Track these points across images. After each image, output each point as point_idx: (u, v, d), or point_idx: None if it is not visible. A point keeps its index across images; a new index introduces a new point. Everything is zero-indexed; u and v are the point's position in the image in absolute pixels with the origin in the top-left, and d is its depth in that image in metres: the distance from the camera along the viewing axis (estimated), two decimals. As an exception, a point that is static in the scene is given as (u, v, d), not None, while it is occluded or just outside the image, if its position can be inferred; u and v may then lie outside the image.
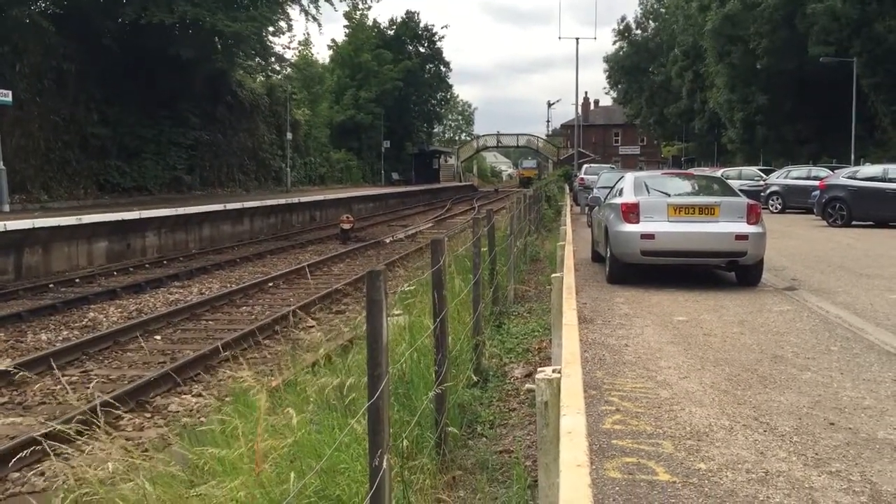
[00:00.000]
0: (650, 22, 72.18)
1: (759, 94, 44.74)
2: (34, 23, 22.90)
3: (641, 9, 72.85)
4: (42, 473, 5.64)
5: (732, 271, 10.13)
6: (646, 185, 10.50)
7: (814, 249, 13.96)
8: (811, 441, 4.27)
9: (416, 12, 70.59)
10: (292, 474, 3.54)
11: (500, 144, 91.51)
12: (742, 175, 30.08)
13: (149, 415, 7.20)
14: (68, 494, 3.71)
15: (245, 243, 22.80)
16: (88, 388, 7.69)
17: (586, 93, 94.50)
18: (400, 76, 57.70)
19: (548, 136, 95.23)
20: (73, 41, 24.74)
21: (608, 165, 39.96)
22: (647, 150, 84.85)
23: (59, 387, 7.86)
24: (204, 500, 3.66)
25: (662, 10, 69.96)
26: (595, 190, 19.26)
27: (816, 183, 21.53)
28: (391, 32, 64.06)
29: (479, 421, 5.20)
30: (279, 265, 17.77)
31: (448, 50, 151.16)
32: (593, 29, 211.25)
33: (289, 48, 63.82)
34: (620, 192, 10.66)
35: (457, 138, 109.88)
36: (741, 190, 12.34)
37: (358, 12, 57.97)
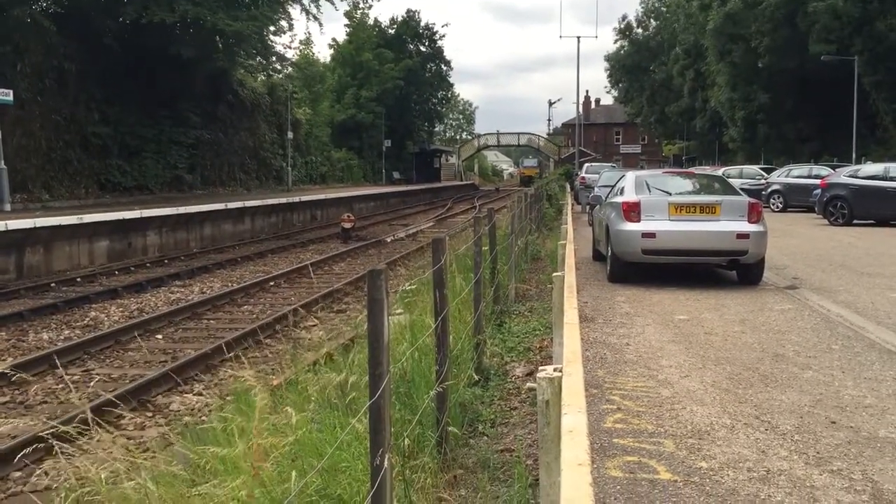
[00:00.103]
0: (651, 20, 72.13)
1: (760, 92, 44.71)
2: (35, 22, 22.91)
3: (643, 7, 72.86)
4: (45, 473, 5.65)
5: (733, 270, 10.12)
6: (647, 184, 10.49)
7: (815, 248, 13.95)
8: (812, 440, 4.27)
9: (416, 11, 70.72)
10: (293, 473, 3.54)
11: (500, 143, 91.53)
12: (743, 174, 30.05)
13: (150, 414, 7.21)
14: (70, 493, 3.71)
15: (246, 242, 22.81)
16: (90, 387, 7.70)
17: (587, 91, 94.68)
18: (401, 75, 57.68)
19: (549, 134, 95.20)
20: (74, 41, 24.75)
21: (609, 164, 39.97)
22: (648, 149, 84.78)
23: (60, 386, 7.87)
24: (205, 500, 3.66)
25: (663, 9, 69.88)
26: (596, 189, 19.26)
27: (818, 181, 21.49)
28: (392, 31, 64.03)
29: (481, 420, 5.20)
30: (280, 264, 17.78)
31: (449, 49, 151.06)
32: (594, 27, 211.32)
33: (290, 48, 63.84)
34: (621, 191, 10.65)
35: (458, 137, 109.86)
36: (742, 189, 12.33)
37: (358, 11, 58.13)
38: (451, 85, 73.67)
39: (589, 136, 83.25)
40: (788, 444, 4.19)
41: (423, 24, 65.78)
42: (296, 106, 43.08)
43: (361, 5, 57.76)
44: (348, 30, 59.23)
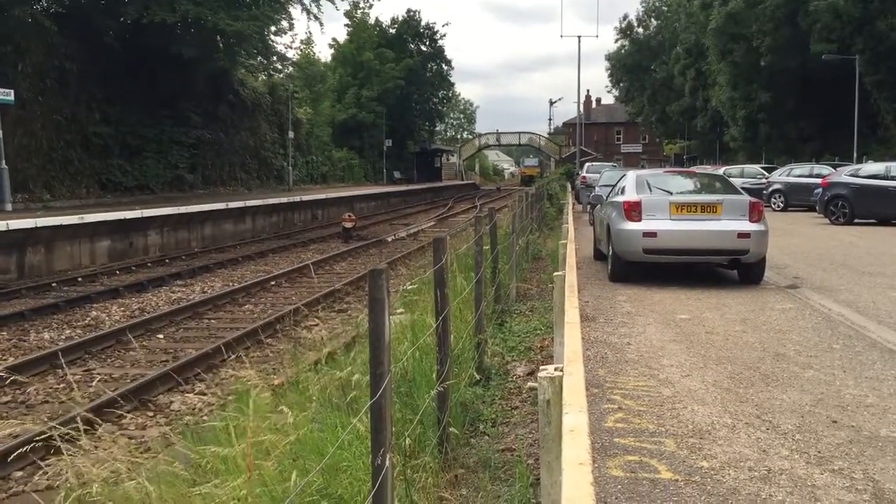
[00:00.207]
0: (652, 20, 72.07)
1: (761, 91, 44.68)
2: (36, 22, 22.92)
3: (643, 7, 72.81)
4: (46, 473, 5.65)
5: (734, 269, 10.12)
6: (648, 184, 10.49)
7: (816, 247, 13.94)
8: (814, 439, 4.26)
9: (416, 11, 70.69)
10: (294, 473, 3.54)
11: (501, 143, 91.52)
12: (744, 173, 30.04)
13: (151, 413, 7.21)
14: (71, 493, 3.72)
15: (247, 242, 22.81)
16: (91, 387, 7.71)
17: (588, 91, 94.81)
18: (401, 75, 57.67)
19: (550, 134, 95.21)
20: (75, 40, 24.76)
21: (610, 164, 39.93)
22: (649, 149, 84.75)
23: (61, 385, 7.88)
24: (206, 500, 3.66)
25: (664, 8, 69.84)
26: (597, 188, 19.25)
27: (819, 181, 21.46)
28: (393, 31, 64.03)
29: (482, 419, 5.20)
30: (281, 264, 17.78)
31: (449, 49, 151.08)
32: (595, 27, 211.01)
33: (290, 47, 63.91)
34: (622, 191, 10.65)
35: (459, 137, 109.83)
36: (743, 188, 12.32)
37: (359, 11, 58.11)
38: (452, 84, 73.75)
39: (590, 135, 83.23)
40: (790, 444, 4.19)
41: (423, 23, 65.82)
42: (297, 105, 43.09)
43: (362, 5, 57.85)
44: (349, 29, 59.25)
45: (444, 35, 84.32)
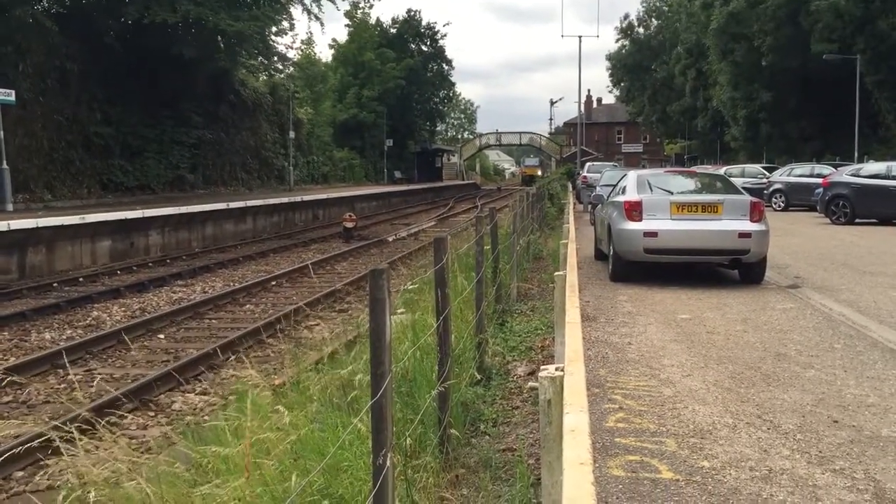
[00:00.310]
0: (653, 20, 72.07)
1: (762, 91, 44.66)
2: (37, 22, 22.93)
3: (644, 6, 72.82)
4: (46, 473, 5.65)
5: (735, 269, 10.11)
6: (649, 183, 10.48)
7: (817, 247, 13.94)
8: (815, 439, 4.26)
9: (417, 11, 70.66)
10: (294, 474, 3.54)
11: (502, 143, 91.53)
12: (745, 173, 30.01)
13: (152, 413, 7.21)
14: (71, 493, 3.72)
15: (248, 242, 22.82)
16: (92, 386, 7.71)
17: (589, 91, 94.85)
18: (402, 74, 57.67)
19: (551, 134, 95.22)
20: (76, 41, 24.77)
21: (611, 163, 39.93)
22: (650, 148, 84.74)
23: (62, 386, 7.88)
24: (207, 500, 3.66)
25: (665, 8, 69.85)
26: (598, 188, 19.25)
27: (820, 180, 21.45)
28: (393, 31, 64.05)
29: (483, 419, 5.20)
30: (282, 264, 17.78)
31: (450, 49, 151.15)
32: (596, 27, 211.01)
33: (291, 48, 63.91)
34: (623, 190, 10.65)
35: (459, 137, 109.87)
36: (744, 188, 12.32)
37: (359, 11, 58.11)
38: (453, 84, 73.72)
39: (591, 135, 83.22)
40: (791, 444, 4.19)
41: (424, 23, 65.85)
42: (297, 106, 43.10)
43: (362, 5, 57.84)
44: (350, 29, 59.27)
45: (445, 35, 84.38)
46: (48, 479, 5.55)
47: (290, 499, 3.14)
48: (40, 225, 15.39)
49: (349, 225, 23.07)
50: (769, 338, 6.71)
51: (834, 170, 22.59)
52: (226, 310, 12.23)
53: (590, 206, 19.60)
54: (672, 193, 10.09)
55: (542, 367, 2.93)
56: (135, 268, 16.80)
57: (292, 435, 4.01)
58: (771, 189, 25.86)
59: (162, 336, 10.32)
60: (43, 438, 4.52)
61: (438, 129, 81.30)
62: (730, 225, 9.45)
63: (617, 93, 78.86)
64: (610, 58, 73.65)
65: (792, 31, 39.84)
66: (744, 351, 6.25)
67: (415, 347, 5.22)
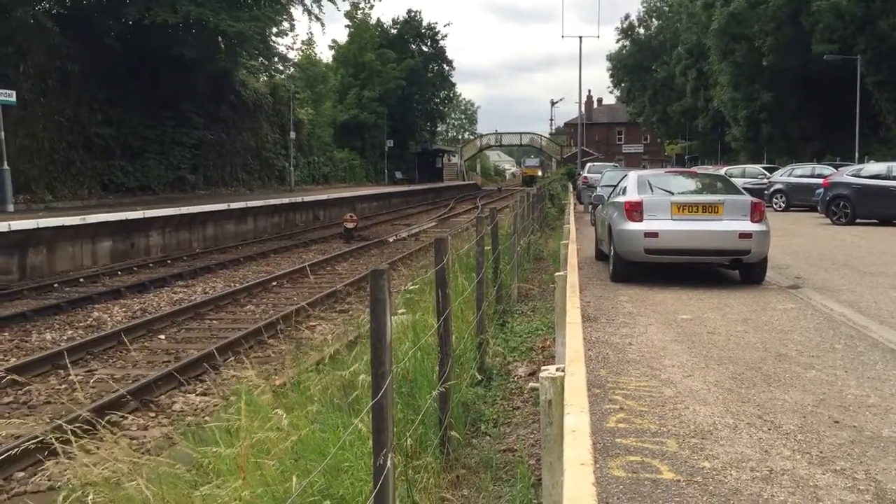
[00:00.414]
0: (653, 20, 72.05)
1: (763, 91, 44.65)
2: (38, 23, 22.94)
3: (645, 7, 72.80)
4: (47, 473, 5.66)
5: (736, 269, 10.11)
6: (649, 184, 10.48)
7: (818, 247, 13.93)
8: (815, 439, 4.26)
9: (417, 11, 70.67)
10: (295, 474, 3.54)
11: (503, 143, 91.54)
12: (746, 173, 30.00)
13: (153, 414, 7.21)
14: (72, 494, 3.72)
15: (249, 242, 22.82)
16: (93, 387, 7.71)
17: (589, 91, 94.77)
18: (403, 75, 57.68)
19: (551, 134, 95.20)
20: (77, 41, 24.78)
21: (611, 164, 39.92)
22: (651, 149, 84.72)
23: (63, 386, 7.88)
24: (207, 500, 3.67)
25: (666, 9, 69.82)
26: (598, 188, 19.25)
27: (820, 181, 21.44)
28: (394, 31, 64.06)
29: (483, 420, 5.20)
30: (283, 264, 17.78)
31: (451, 49, 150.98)
32: (596, 27, 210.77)
33: (292, 48, 63.91)
34: (624, 191, 10.65)
35: (460, 137, 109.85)
36: (745, 188, 12.32)
37: (359, 11, 58.12)
38: (454, 85, 73.76)
39: (591, 135, 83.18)
40: (791, 444, 4.19)
41: (424, 24, 65.86)
42: (298, 106, 43.10)
43: (362, 5, 57.82)
44: (350, 30, 59.28)
45: (446, 35, 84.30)
46: (49, 480, 5.55)
47: (291, 499, 3.14)
48: (41, 225, 15.40)
49: (350, 225, 23.08)
50: (770, 338, 6.71)
51: (834, 170, 22.58)
52: (226, 310, 12.23)
53: (590, 207, 19.59)
54: (673, 194, 10.09)
55: (542, 368, 2.93)
56: (135, 268, 16.80)
57: (293, 435, 4.01)
58: (771, 189, 25.84)
59: (163, 336, 10.32)
60: (43, 438, 4.52)
61: (439, 129, 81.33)
62: (730, 225, 9.44)
63: (617, 93, 78.91)
64: (610, 58, 73.68)
65: (793, 31, 39.83)
66: (745, 351, 6.24)
67: (415, 348, 5.22)
